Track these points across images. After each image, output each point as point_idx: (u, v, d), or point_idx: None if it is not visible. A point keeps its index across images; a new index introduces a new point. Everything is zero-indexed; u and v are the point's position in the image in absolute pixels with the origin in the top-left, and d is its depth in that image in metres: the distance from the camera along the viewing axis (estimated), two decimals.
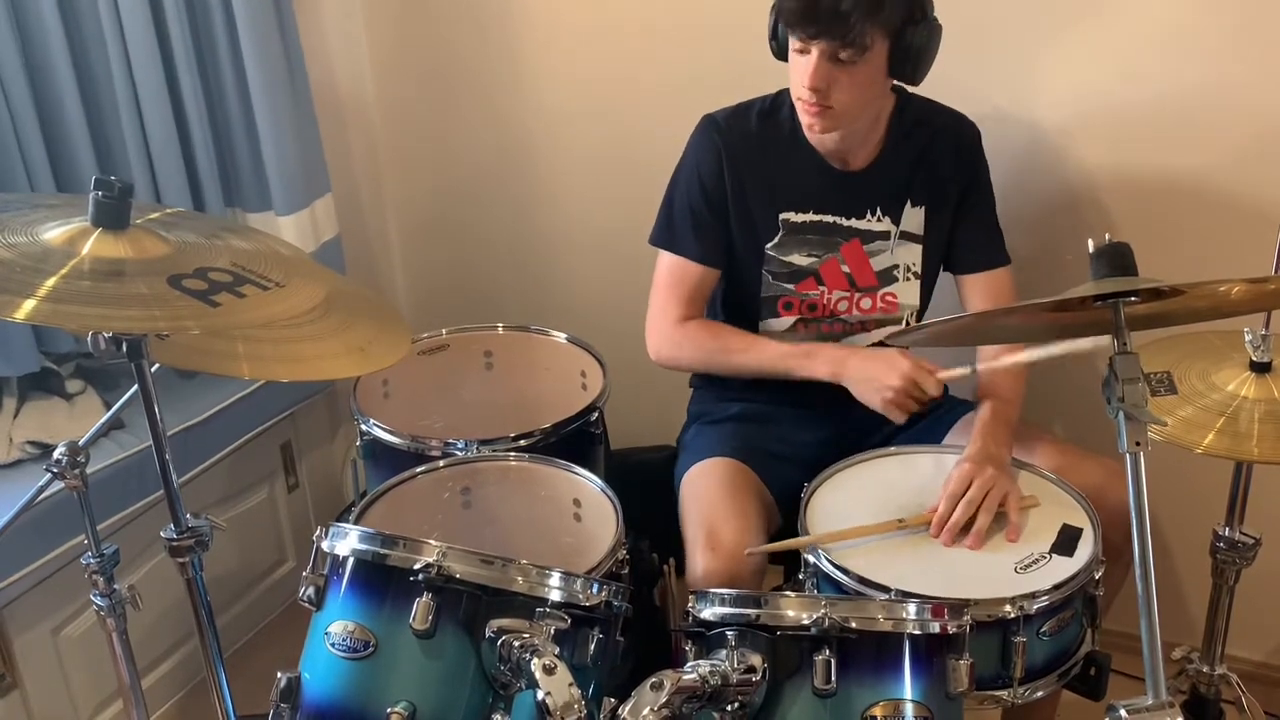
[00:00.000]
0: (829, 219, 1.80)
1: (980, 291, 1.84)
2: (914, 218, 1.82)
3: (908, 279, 1.85)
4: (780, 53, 1.68)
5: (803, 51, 1.61)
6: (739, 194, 1.78)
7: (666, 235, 1.83)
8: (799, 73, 1.63)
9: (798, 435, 1.87)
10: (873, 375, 1.67)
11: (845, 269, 1.83)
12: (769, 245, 1.80)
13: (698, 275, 1.82)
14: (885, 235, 1.82)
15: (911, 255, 1.84)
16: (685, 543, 1.68)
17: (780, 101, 1.80)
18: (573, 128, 2.44)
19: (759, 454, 1.80)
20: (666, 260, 1.83)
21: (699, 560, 1.61)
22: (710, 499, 1.71)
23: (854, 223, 1.81)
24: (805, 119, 1.68)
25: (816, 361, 1.74)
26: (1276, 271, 1.71)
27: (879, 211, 1.81)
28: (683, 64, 2.25)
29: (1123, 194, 2.03)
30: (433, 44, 2.49)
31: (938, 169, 1.81)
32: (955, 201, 1.83)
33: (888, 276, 1.84)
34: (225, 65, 2.17)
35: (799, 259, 1.81)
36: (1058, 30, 1.96)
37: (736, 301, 1.88)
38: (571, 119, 2.43)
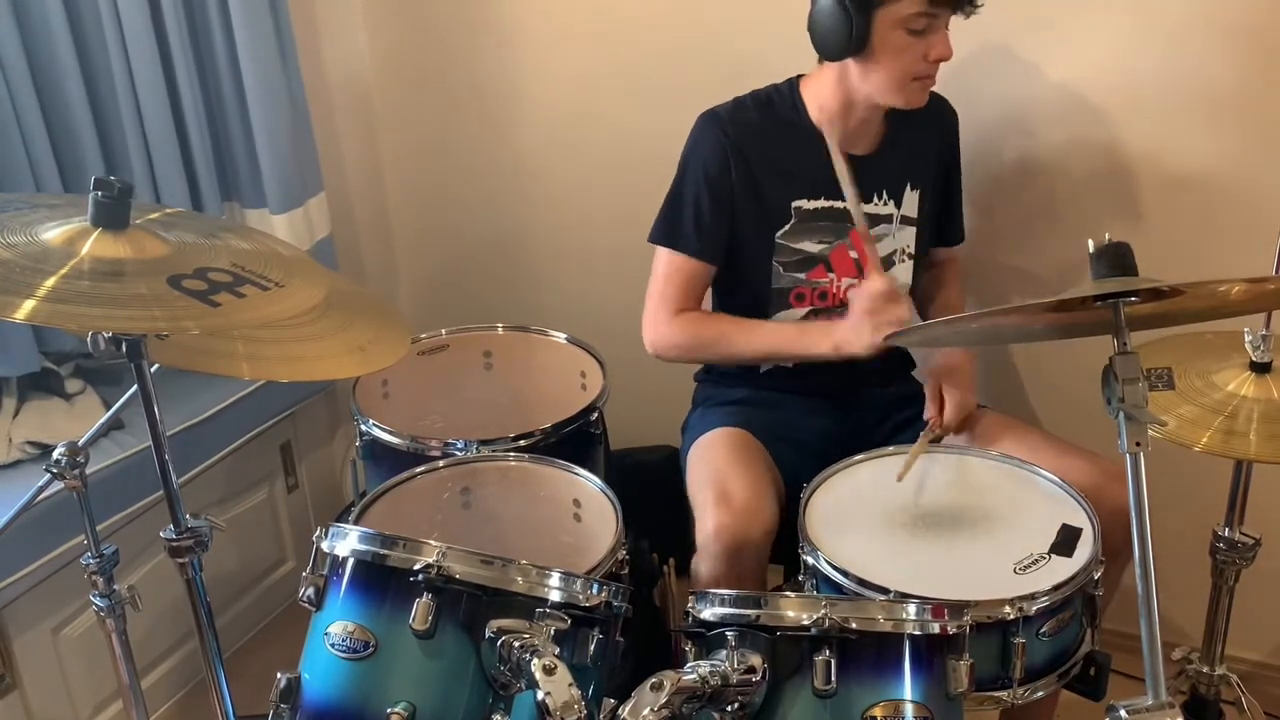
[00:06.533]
0: (840, 205, 1.80)
1: (937, 263, 1.96)
2: (911, 201, 1.85)
3: (903, 260, 1.88)
4: (858, 47, 1.65)
5: (928, 29, 1.64)
6: (748, 185, 1.78)
7: (666, 232, 1.83)
8: (921, 48, 1.65)
9: (803, 421, 1.88)
10: (854, 328, 1.68)
11: (853, 254, 1.83)
12: (780, 234, 1.81)
13: (696, 270, 1.82)
14: (889, 219, 1.84)
15: (907, 238, 1.87)
16: (694, 506, 1.68)
17: (773, 95, 1.82)
18: (571, 127, 2.43)
19: (765, 432, 1.82)
20: (664, 256, 1.83)
21: (710, 516, 1.59)
22: (720, 461, 1.72)
23: (861, 207, 1.81)
24: (920, 94, 1.72)
25: (813, 341, 1.75)
26: (1276, 272, 1.71)
27: (884, 195, 1.83)
28: (680, 63, 2.25)
29: (1123, 193, 2.03)
30: (431, 44, 2.49)
31: (929, 151, 1.85)
32: (942, 182, 1.89)
33: (888, 261, 1.85)
34: (222, 63, 2.17)
35: (810, 246, 1.82)
36: (1058, 29, 1.96)
37: (746, 298, 1.86)
38: (570, 118, 2.43)
